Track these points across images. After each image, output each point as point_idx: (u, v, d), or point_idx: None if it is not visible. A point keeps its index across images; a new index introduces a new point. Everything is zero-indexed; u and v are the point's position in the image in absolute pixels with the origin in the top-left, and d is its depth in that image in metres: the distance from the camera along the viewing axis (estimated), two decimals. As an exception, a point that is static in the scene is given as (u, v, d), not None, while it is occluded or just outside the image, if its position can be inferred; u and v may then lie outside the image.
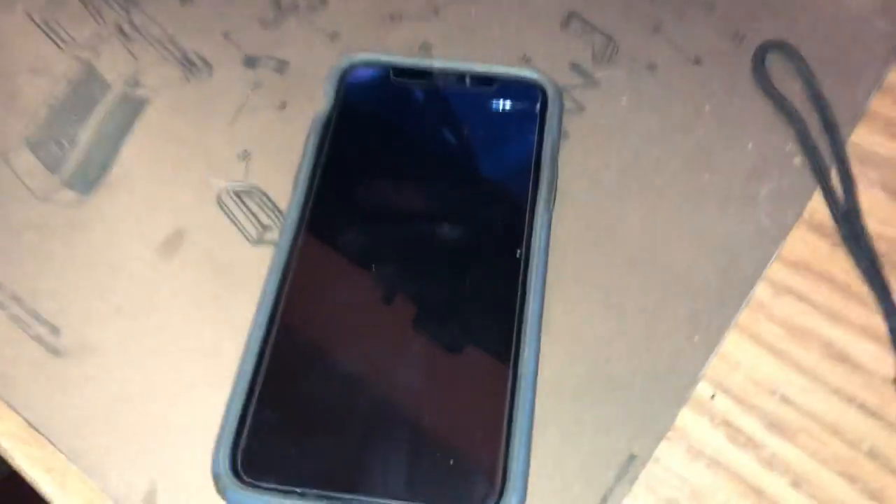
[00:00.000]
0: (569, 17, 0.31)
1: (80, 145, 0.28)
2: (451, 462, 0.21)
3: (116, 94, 0.29)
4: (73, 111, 0.29)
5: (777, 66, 0.29)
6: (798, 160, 0.27)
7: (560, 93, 0.28)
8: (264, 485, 0.20)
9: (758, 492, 0.22)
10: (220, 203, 0.27)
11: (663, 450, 0.23)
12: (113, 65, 0.30)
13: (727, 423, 0.23)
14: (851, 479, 0.22)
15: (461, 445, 0.21)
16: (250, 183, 0.27)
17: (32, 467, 0.23)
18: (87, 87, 0.29)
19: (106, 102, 0.29)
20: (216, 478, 0.21)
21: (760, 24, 0.30)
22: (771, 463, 0.22)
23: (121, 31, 0.31)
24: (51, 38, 0.31)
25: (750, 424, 0.23)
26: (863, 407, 0.23)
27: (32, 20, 0.31)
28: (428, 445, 0.21)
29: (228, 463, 0.21)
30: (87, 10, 0.31)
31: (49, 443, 0.23)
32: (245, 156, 0.27)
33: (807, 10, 0.31)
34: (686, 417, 0.23)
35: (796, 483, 0.22)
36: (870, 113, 0.29)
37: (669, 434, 0.23)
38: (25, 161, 0.28)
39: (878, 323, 0.24)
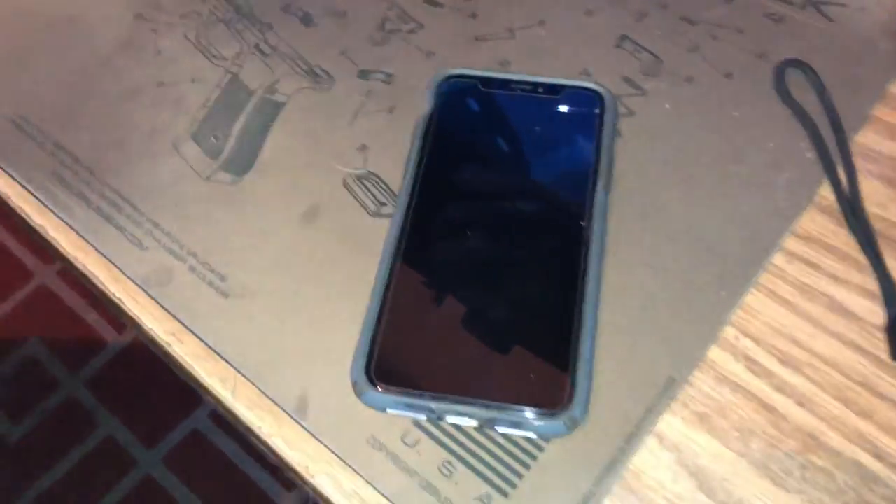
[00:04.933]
0: (621, 39, 0.37)
1: (232, 138, 0.35)
2: (532, 376, 0.27)
3: (258, 98, 0.36)
4: (225, 112, 0.36)
5: (794, 80, 0.35)
6: (810, 155, 0.33)
7: (615, 100, 0.34)
8: (392, 387, 0.27)
9: (770, 409, 0.28)
10: (346, 185, 0.34)
11: (696, 376, 0.29)
12: (254, 75, 0.37)
13: (747, 358, 0.29)
14: (846, 401, 0.28)
15: (542, 365, 0.28)
16: (368, 169, 0.34)
17: (210, 377, 0.30)
18: (235, 93, 0.37)
19: (250, 105, 0.36)
20: (354, 384, 0.28)
21: (781, 44, 0.37)
22: (781, 388, 0.28)
23: (259, 49, 0.38)
24: (205, 54, 0.38)
25: (765, 359, 0.29)
26: (857, 348, 0.29)
27: (189, 40, 0.39)
28: (517, 363, 0.28)
29: (364, 372, 0.27)
30: (230, 32, 0.39)
31: (222, 359, 0.30)
32: (363, 148, 0.35)
33: (820, 32, 0.37)
34: (715, 352, 0.29)
35: (801, 403, 0.28)
36: (872, 118, 0.35)
37: (701, 365, 0.29)
38: (191, 150, 0.35)
39: (872, 284, 0.30)
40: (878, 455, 0.27)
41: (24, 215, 0.34)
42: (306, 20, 0.39)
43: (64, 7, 0.41)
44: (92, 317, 1.14)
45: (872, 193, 0.33)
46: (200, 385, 0.30)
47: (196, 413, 1.05)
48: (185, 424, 1.05)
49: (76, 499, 1.01)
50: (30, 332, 1.13)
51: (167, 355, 0.31)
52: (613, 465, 0.27)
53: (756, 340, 0.29)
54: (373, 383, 0.27)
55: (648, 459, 0.27)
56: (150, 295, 0.31)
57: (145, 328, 0.31)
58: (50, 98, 0.37)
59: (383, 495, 0.27)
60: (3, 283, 1.17)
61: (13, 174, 0.35)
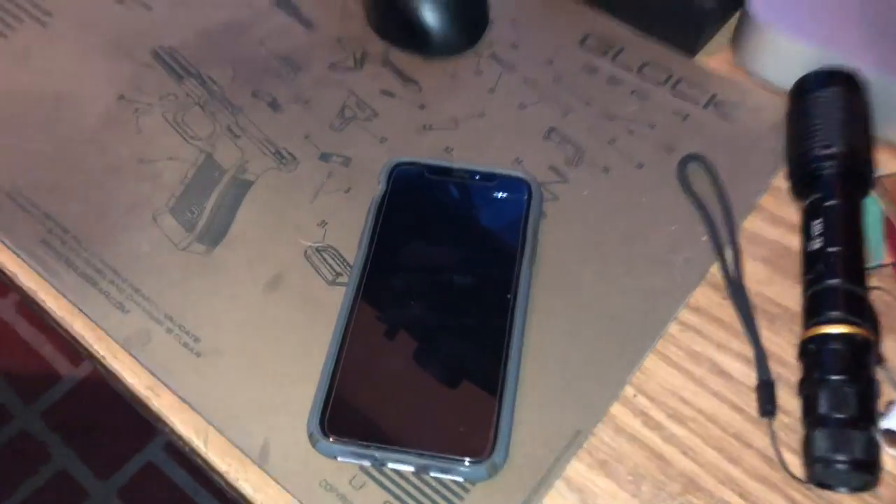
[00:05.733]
0: (549, 131, 0.43)
1: (206, 213, 0.40)
2: (461, 428, 0.32)
3: (230, 177, 0.41)
4: (200, 188, 0.41)
5: (694, 171, 0.42)
6: (705, 238, 0.39)
7: (540, 187, 0.40)
8: (342, 438, 0.32)
9: (659, 457, 0.33)
10: (307, 256, 0.38)
11: (599, 428, 0.34)
12: (226, 155, 0.42)
13: (643, 413, 0.35)
14: (720, 450, 0.34)
15: (470, 417, 0.33)
16: (327, 243, 0.39)
17: (185, 427, 0.34)
18: (209, 171, 0.41)
19: (223, 183, 0.41)
20: (310, 434, 0.32)
21: (686, 140, 0.43)
22: (669, 439, 0.34)
23: (230, 130, 0.43)
24: (181, 134, 0.43)
25: (658, 414, 0.35)
26: (732, 405, 0.35)
27: (167, 121, 0.43)
28: (449, 416, 0.33)
29: (318, 424, 0.32)
30: (204, 114, 0.44)
31: (195, 412, 0.34)
32: (323, 224, 0.40)
33: (719, 131, 0.43)
34: (616, 408, 0.35)
35: (684, 452, 0.34)
36: (758, 206, 0.41)
37: (604, 418, 0.34)
38: (169, 223, 0.40)
39: (748, 350, 0.36)
40: (743, 495, 0.32)
41: (14, 279, 0.38)
42: (274, 105, 0.44)
43: (53, 85, 0.45)
44: (47, 349, 1.16)
45: (754, 272, 0.39)
46: (175, 434, 0.34)
47: (150, 445, 1.08)
48: (139, 457, 1.07)
49: (28, 531, 1.02)
50: (-15, 364, 1.15)
51: (146, 407, 0.35)
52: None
53: (650, 398, 0.35)
54: (325, 434, 0.32)
55: (557, 500, 0.32)
56: (131, 353, 0.36)
57: (126, 383, 0.35)
58: (40, 170, 0.41)
59: (333, 531, 0.32)
60: (-44, 315, 1.19)
61: (6, 241, 0.39)
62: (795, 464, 0.33)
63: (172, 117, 0.43)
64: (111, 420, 1.09)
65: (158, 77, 0.45)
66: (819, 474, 0.31)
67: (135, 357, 0.36)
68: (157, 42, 0.47)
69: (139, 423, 1.06)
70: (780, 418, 0.34)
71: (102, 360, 0.36)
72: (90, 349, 0.36)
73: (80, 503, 1.03)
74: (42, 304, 0.37)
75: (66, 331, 0.37)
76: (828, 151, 0.38)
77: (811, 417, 0.32)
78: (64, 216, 0.40)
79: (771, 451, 0.33)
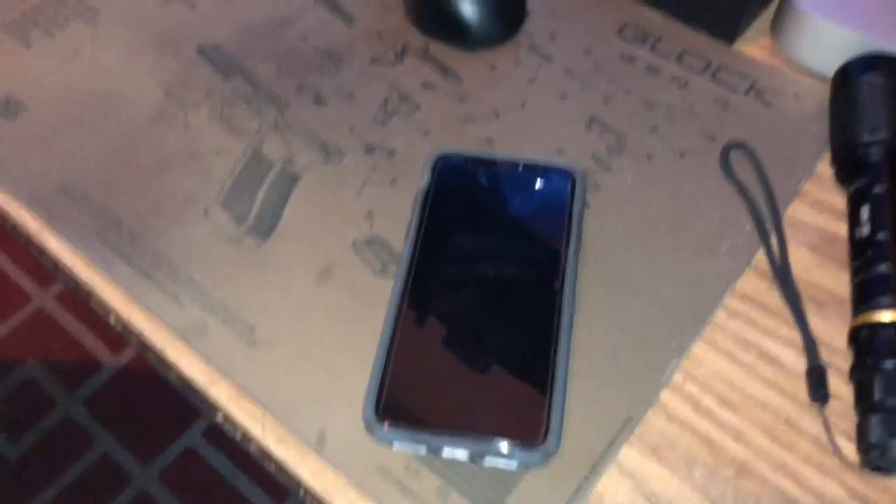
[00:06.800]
0: (591, 121, 0.43)
1: (256, 206, 0.41)
2: (514, 415, 0.33)
3: (278, 170, 0.42)
4: (249, 182, 0.42)
5: (737, 159, 0.42)
6: (749, 226, 0.40)
7: (584, 176, 0.40)
8: (397, 425, 0.33)
9: (710, 443, 0.34)
10: (355, 248, 0.39)
11: (650, 415, 0.35)
12: (273, 149, 0.43)
13: (693, 400, 0.35)
14: (772, 436, 0.34)
15: (523, 404, 0.33)
16: (374, 234, 0.40)
17: (243, 415, 0.35)
18: (256, 165, 0.42)
19: (271, 176, 0.42)
20: (366, 422, 0.33)
21: (728, 127, 0.43)
22: (720, 426, 0.34)
23: (276, 125, 0.44)
24: (228, 129, 0.44)
25: (708, 401, 0.35)
26: (782, 391, 0.35)
27: (214, 116, 0.44)
28: (502, 403, 0.33)
29: (373, 411, 0.33)
30: (251, 109, 0.45)
31: (252, 400, 0.35)
32: (369, 216, 0.40)
33: (760, 118, 0.43)
34: (666, 395, 0.35)
35: (735, 438, 0.34)
36: (802, 193, 0.41)
37: (655, 405, 0.35)
38: (220, 216, 0.41)
39: (797, 337, 0.36)
40: (797, 481, 0.33)
41: (71, 272, 0.40)
42: (318, 100, 0.44)
43: (102, 83, 0.46)
44: (89, 339, 1.19)
45: (800, 259, 0.39)
46: (231, 422, 0.35)
47: (190, 431, 1.10)
48: (180, 442, 1.09)
49: (73, 515, 1.05)
50: (28, 354, 1.17)
51: (204, 397, 0.36)
52: (580, 490, 0.33)
53: (700, 385, 0.35)
54: (381, 421, 0.33)
55: (609, 485, 0.33)
56: (189, 344, 0.37)
57: (184, 373, 0.36)
58: (92, 166, 0.42)
59: (390, 516, 0.32)
60: (2, 305, 1.21)
61: (62, 236, 0.40)
62: (850, 450, 0.33)
63: (219, 113, 0.44)
64: (151, 407, 1.11)
65: (204, 73, 0.46)
66: (874, 460, 0.31)
67: (193, 347, 0.37)
68: (202, 39, 0.48)
69: (178, 409, 1.09)
70: (832, 404, 0.34)
71: (161, 352, 0.37)
72: (147, 342, 0.37)
73: (123, 487, 1.06)
74: (99, 296, 0.39)
75: (120, 323, 0.38)
76: (875, 137, 0.38)
77: (865, 404, 0.32)
78: (118, 210, 0.41)
79: (824, 438, 0.33)
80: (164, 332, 0.37)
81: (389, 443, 0.33)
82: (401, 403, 0.33)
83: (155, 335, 0.37)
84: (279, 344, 0.36)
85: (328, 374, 0.35)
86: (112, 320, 0.39)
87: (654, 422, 0.34)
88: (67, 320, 1.19)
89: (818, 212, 0.40)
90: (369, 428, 0.33)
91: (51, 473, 1.07)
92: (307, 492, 0.34)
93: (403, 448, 0.33)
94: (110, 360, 1.16)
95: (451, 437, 0.32)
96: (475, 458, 0.33)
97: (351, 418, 0.34)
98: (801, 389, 0.35)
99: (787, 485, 0.33)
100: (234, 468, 1.07)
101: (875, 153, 0.38)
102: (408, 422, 0.33)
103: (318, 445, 0.34)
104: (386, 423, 0.33)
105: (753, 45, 0.46)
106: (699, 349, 0.36)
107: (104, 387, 1.14)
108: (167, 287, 0.38)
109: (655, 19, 0.47)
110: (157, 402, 1.11)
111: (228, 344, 0.36)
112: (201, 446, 1.09)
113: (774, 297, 0.37)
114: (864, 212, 0.37)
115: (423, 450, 0.33)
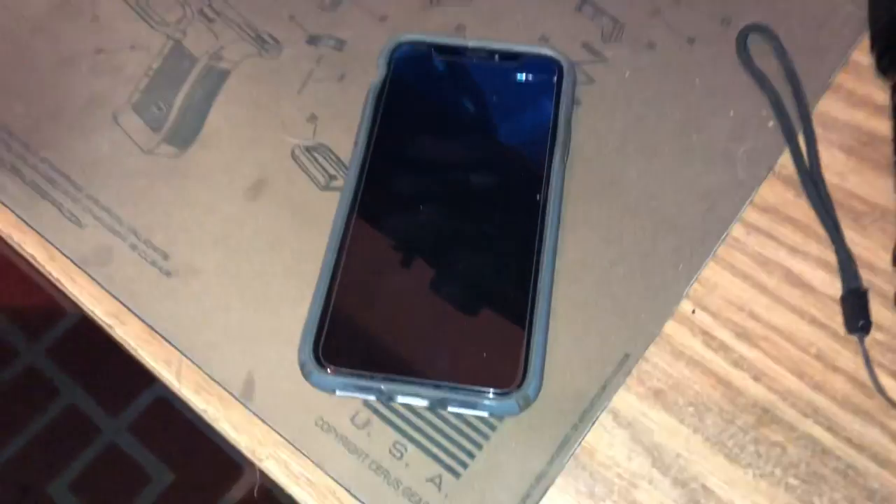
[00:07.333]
0: (581, 3, 0.36)
1: (175, 108, 0.34)
2: (485, 355, 0.27)
3: (202, 66, 0.35)
4: (168, 81, 0.35)
5: (757, 46, 0.35)
6: (771, 124, 0.33)
7: (573, 67, 0.33)
8: (341, 368, 0.26)
9: (726, 384, 0.28)
10: (294, 157, 0.32)
11: (652, 352, 0.28)
12: (198, 42, 0.36)
13: (704, 332, 0.29)
14: (801, 374, 0.28)
15: (495, 342, 0.27)
16: (318, 141, 0.33)
17: (154, 360, 0.29)
18: (178, 61, 0.35)
19: (194, 73, 0.35)
20: (302, 365, 0.27)
21: (745, 9, 0.36)
22: (737, 363, 0.28)
23: (203, 14, 0.36)
24: (145, 19, 0.36)
25: (722, 333, 0.29)
26: (813, 320, 0.29)
27: (129, 4, 0.37)
28: (470, 341, 0.27)
29: (311, 353, 0.27)
30: (172, -5, 0.37)
31: (166, 341, 0.29)
32: (312, 118, 0.33)
33: (784, -3, 0.36)
34: (671, 327, 0.29)
35: (756, 377, 0.28)
36: (834, 85, 0.34)
37: (657, 340, 0.29)
38: (132, 121, 0.34)
39: (830, 255, 0.30)
40: (831, 428, 0.27)
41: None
42: (253, -18, 0.37)
43: (-6, -34, 0.38)
44: (49, 284, 1.12)
45: (832, 163, 0.32)
46: (144, 368, 0.29)
47: (160, 380, 1.05)
48: (150, 391, 1.04)
49: (41, 467, 1.00)
50: (-14, 301, 1.11)
51: (109, 338, 0.30)
52: (567, 443, 0.27)
53: (713, 314, 0.29)
54: (321, 364, 0.27)
55: (603, 437, 0.27)
56: (89, 275, 0.30)
57: (85, 309, 0.30)
58: (-20, 65, 0.35)
59: (332, 478, 0.26)
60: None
61: (-58, 147, 0.33)
62: (895, 389, 0.27)
63: (135, 0, 0.37)
64: (119, 355, 1.05)
65: (118, -46, 0.38)
66: (929, 402, 0.25)
67: (94, 279, 0.30)
68: (115, -87, 0.40)
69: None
70: (874, 335, 0.28)
71: (57, 284, 0.30)
72: (42, 270, 0.31)
73: (92, 439, 1.01)
74: (-15, 220, 0.32)
75: (12, 250, 0.31)
76: (927, 11, 0.31)
77: (918, 333, 0.26)
78: (8, 118, 0.34)
79: (863, 374, 0.27)
80: (61, 260, 0.31)
81: (331, 389, 0.27)
82: (345, 342, 0.27)
83: (49, 264, 0.31)
84: (199, 273, 0.30)
85: (258, 310, 0.29)
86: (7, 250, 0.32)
87: (656, 360, 0.28)
88: (27, 264, 1.12)
89: (854, 107, 0.33)
90: (307, 372, 0.27)
91: (15, 426, 1.02)
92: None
93: (348, 395, 0.27)
94: (74, 308, 1.10)
95: (407, 382, 0.26)
96: (437, 406, 0.27)
97: (285, 361, 0.28)
98: (837, 318, 0.29)
99: (819, 432, 0.27)
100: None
101: (928, 31, 0.31)
102: (353, 364, 0.27)
103: (245, 394, 0.28)
104: (328, 367, 0.27)
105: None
106: (711, 272, 0.30)
107: (68, 335, 1.08)
108: (65, 207, 0.32)
109: None
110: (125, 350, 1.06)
111: (138, 274, 0.30)
112: (173, 395, 1.03)
113: (803, 208, 0.31)
114: (914, 103, 0.30)
115: (372, 398, 0.27)
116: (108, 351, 1.04)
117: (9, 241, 0.31)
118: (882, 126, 0.33)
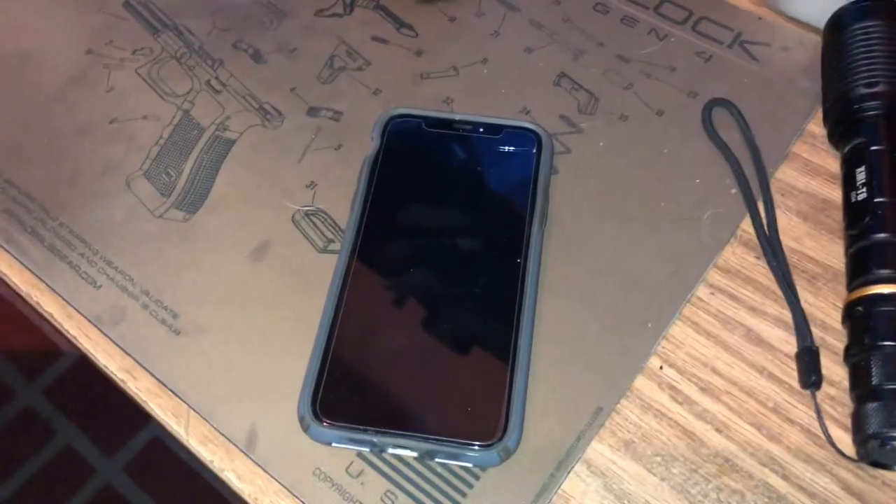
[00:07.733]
0: (559, 78, 0.39)
1: (184, 175, 0.36)
2: (469, 409, 0.29)
3: (210, 135, 0.38)
4: (177, 149, 0.37)
5: (721, 118, 0.38)
6: (734, 191, 0.36)
7: (551, 138, 0.36)
8: (337, 422, 0.29)
9: (690, 435, 0.30)
10: (294, 221, 0.35)
11: (623, 405, 0.31)
12: (206, 112, 0.38)
13: (671, 387, 0.31)
14: (759, 426, 0.30)
15: (479, 397, 0.29)
16: (316, 206, 0.35)
17: (164, 413, 0.31)
18: (187, 130, 0.38)
19: (202, 142, 0.37)
20: (301, 418, 0.29)
21: (710, 84, 0.39)
22: (701, 415, 0.31)
23: (210, 85, 0.39)
24: (157, 91, 0.39)
25: (687, 388, 0.31)
26: (771, 376, 0.31)
27: (141, 77, 0.40)
28: (455, 397, 0.29)
29: (310, 407, 0.29)
30: (182, 69, 0.40)
31: (175, 395, 0.31)
32: (312, 185, 0.36)
33: (746, 73, 0.39)
34: (641, 382, 0.31)
35: (718, 429, 0.30)
36: (792, 155, 0.37)
37: (628, 394, 0.31)
38: (144, 188, 0.36)
39: (787, 315, 0.32)
40: (786, 476, 0.29)
41: (-23, 252, 0.35)
42: (257, 57, 0.40)
43: (16, 41, 0.41)
44: (46, 325, 1.14)
45: (790, 227, 0.35)
46: (154, 420, 0.31)
47: (155, 421, 1.06)
48: (145, 432, 1.05)
49: (36, 507, 1.00)
50: (-17, 341, 1.12)
51: (105, 377, 0.32)
52: (545, 491, 0.29)
53: (679, 370, 0.32)
54: (318, 418, 0.29)
55: (578, 485, 0.29)
56: (103, 332, 0.32)
57: (99, 365, 0.32)
58: (1, 134, 0.38)
59: (329, 525, 0.29)
60: (-44, 292, 1.16)
61: (-34, 211, 0.36)
62: (845, 441, 0.29)
63: (147, 73, 0.40)
64: (115, 395, 1.06)
65: (131, 29, 0.41)
66: (873, 452, 0.28)
67: (108, 336, 0.32)
68: (129, -9, 0.43)
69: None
70: (825, 390, 0.30)
71: (74, 341, 0.33)
72: (60, 328, 0.33)
73: (87, 479, 1.02)
74: (6, 279, 0.34)
75: (32, 308, 0.34)
76: (872, 90, 0.34)
77: (862, 389, 0.28)
78: (29, 183, 0.36)
79: (816, 427, 0.30)
80: (77, 319, 0.33)
81: (327, 442, 0.29)
82: (341, 397, 0.29)
83: (67, 322, 0.33)
84: (206, 332, 0.32)
85: (261, 366, 0.31)
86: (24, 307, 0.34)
87: (627, 413, 0.31)
88: (24, 305, 1.14)
89: (809, 175, 0.36)
90: (305, 425, 0.29)
91: (11, 466, 1.03)
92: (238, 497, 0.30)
93: (343, 447, 0.29)
94: (71, 348, 1.11)
95: (398, 435, 0.28)
96: (425, 457, 0.29)
97: (285, 415, 0.30)
98: (792, 374, 0.31)
99: (775, 480, 0.29)
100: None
101: (872, 108, 0.34)
102: (348, 418, 0.29)
103: (249, 445, 0.30)
104: (325, 420, 0.29)
105: (738, -5, 0.42)
106: (678, 330, 0.32)
107: (65, 375, 1.10)
108: (81, 268, 0.34)
109: (631, -33, 0.43)
110: (121, 391, 1.07)
111: (149, 332, 0.32)
112: (167, 436, 1.04)
113: (762, 271, 0.34)
114: (861, 174, 0.33)
115: (366, 449, 0.29)
116: (104, 391, 1.05)
117: (28, 299, 0.34)
118: (835, 193, 0.35)
